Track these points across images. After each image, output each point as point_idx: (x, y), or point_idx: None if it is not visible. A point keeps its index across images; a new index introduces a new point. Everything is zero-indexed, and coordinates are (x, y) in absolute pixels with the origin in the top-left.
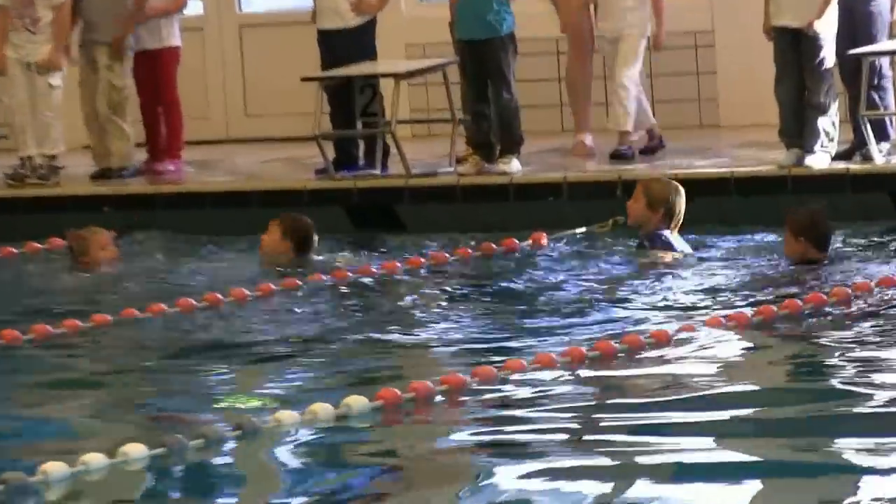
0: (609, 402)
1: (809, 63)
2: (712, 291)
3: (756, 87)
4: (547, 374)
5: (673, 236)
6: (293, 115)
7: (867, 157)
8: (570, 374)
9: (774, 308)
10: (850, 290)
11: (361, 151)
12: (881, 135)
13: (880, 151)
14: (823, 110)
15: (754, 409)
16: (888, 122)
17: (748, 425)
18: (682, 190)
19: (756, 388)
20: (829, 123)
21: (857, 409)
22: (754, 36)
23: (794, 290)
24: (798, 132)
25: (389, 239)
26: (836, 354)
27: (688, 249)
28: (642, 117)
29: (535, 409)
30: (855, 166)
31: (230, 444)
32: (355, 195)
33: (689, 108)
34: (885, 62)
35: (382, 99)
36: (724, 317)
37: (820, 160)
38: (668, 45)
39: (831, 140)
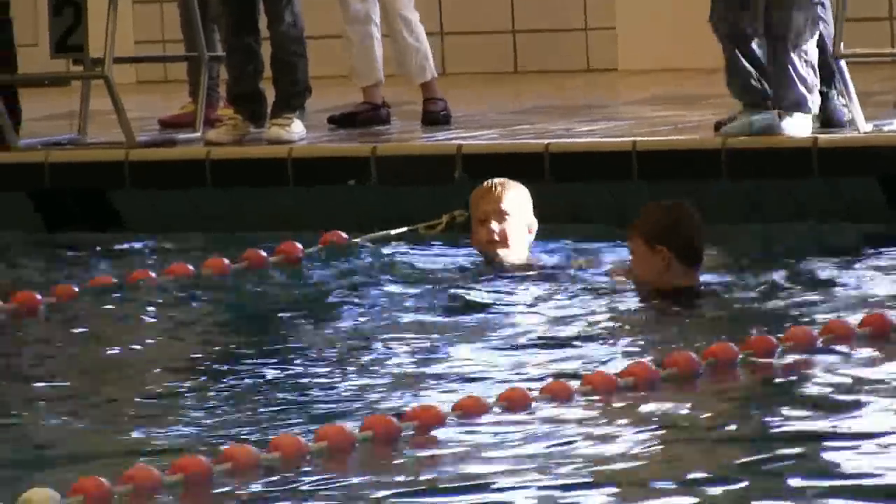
0: None
1: None
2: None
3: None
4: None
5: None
6: None
7: (827, 124)
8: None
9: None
10: (807, 333)
11: None
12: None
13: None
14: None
15: None
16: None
17: None
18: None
19: None
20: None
21: None
22: None
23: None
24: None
25: (96, 240)
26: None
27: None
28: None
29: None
30: (825, 136)
31: None
32: (46, 174)
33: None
34: None
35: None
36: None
37: (799, 125)
38: None
39: (810, 90)
